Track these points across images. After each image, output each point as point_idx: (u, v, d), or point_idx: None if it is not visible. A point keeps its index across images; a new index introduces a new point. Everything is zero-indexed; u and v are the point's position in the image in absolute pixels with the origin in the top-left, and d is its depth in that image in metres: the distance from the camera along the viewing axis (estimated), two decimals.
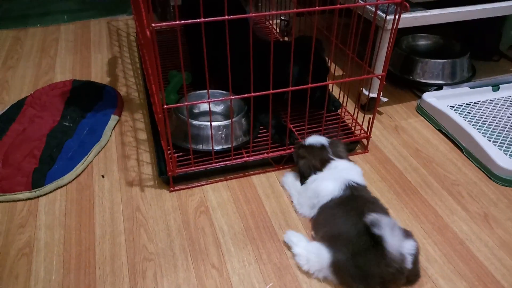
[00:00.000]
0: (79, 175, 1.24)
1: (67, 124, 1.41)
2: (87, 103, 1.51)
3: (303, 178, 1.13)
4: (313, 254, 0.95)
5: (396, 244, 0.84)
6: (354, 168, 1.11)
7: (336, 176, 1.06)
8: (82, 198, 1.16)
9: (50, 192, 1.18)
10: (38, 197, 1.16)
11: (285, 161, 1.26)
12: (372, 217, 0.86)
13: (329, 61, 1.29)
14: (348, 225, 0.93)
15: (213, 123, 1.16)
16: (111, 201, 1.15)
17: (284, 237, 1.04)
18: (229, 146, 1.21)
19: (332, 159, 1.11)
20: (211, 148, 1.19)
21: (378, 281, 0.87)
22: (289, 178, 1.20)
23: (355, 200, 1.00)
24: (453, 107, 1.45)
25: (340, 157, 1.13)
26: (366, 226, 0.87)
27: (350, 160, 1.16)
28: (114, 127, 1.42)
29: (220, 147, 1.23)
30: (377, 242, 0.85)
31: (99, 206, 1.14)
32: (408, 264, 0.87)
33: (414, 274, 0.93)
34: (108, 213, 1.12)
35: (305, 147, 1.16)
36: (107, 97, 1.55)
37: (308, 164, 1.12)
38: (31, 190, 1.16)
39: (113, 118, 1.44)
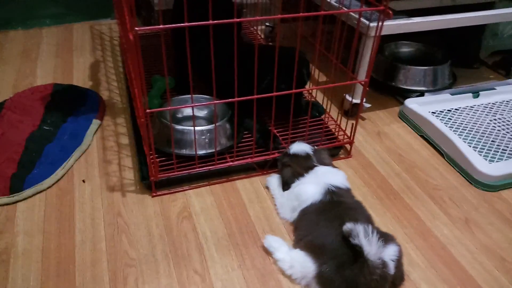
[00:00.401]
0: (59, 180, 1.21)
1: (47, 128, 1.38)
2: (69, 107, 1.49)
3: (285, 186, 1.13)
4: (297, 263, 0.94)
5: (374, 251, 0.84)
6: (336, 172, 1.11)
7: (317, 181, 1.06)
8: (62, 203, 1.14)
9: (29, 197, 1.15)
10: (16, 202, 1.14)
11: (269, 166, 1.26)
12: (347, 227, 0.87)
13: (313, 68, 1.29)
14: (332, 235, 0.92)
15: (196, 128, 1.16)
16: (92, 206, 1.13)
17: (264, 242, 1.03)
18: (213, 150, 1.20)
19: (316, 166, 1.12)
20: (194, 152, 1.18)
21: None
22: (274, 179, 1.20)
23: (335, 207, 1.00)
24: (435, 113, 1.46)
25: (325, 164, 1.14)
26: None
27: (335, 166, 1.16)
28: (95, 131, 1.40)
29: (203, 151, 1.22)
30: (356, 252, 0.85)
31: (79, 212, 1.12)
32: (391, 269, 0.87)
33: (398, 278, 0.93)
34: (88, 219, 1.10)
35: (290, 156, 1.15)
36: (89, 101, 1.52)
37: (292, 172, 1.12)
38: (8, 195, 1.13)
39: (95, 123, 1.42)
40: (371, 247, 0.83)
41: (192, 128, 1.15)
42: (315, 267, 0.90)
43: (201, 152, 1.21)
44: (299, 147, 1.16)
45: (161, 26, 0.90)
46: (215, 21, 0.93)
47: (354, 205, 1.03)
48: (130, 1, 0.88)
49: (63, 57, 1.86)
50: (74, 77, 1.71)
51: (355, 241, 0.84)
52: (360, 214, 1.00)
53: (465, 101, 1.55)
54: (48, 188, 1.18)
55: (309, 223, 1.00)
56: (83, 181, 1.21)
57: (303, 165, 1.12)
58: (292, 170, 1.13)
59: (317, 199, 1.02)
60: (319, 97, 1.54)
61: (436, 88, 1.62)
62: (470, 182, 1.26)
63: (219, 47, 1.01)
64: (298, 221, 1.04)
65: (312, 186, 1.05)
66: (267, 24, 2.03)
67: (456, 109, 1.50)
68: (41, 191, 1.17)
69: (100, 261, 0.99)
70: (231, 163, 1.21)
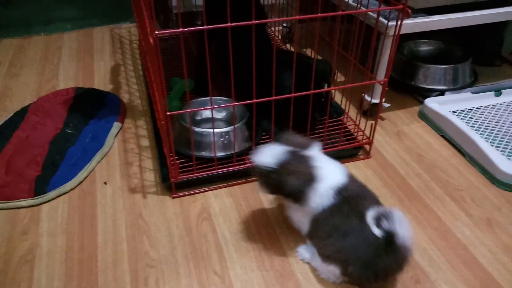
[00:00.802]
0: (81, 182, 1.24)
1: (70, 131, 1.41)
2: (90, 110, 1.52)
3: (299, 200, 0.94)
4: (326, 270, 0.95)
5: (406, 233, 0.81)
6: (334, 168, 0.96)
7: (322, 185, 0.92)
8: (85, 205, 1.17)
9: (53, 199, 1.18)
10: (40, 204, 1.17)
11: None
12: (373, 215, 0.85)
13: (332, 72, 1.29)
14: (355, 235, 0.87)
15: (215, 130, 1.17)
16: (113, 208, 1.15)
17: (297, 255, 1.02)
18: (231, 152, 1.21)
19: (311, 159, 0.94)
20: (213, 154, 1.19)
21: (389, 273, 0.87)
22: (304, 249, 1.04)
23: (348, 203, 0.90)
24: (455, 112, 1.44)
25: (304, 146, 0.96)
26: (371, 226, 0.85)
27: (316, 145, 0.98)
28: (116, 134, 1.43)
29: (222, 153, 1.23)
30: (386, 239, 0.83)
31: (101, 213, 1.14)
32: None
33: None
34: (110, 220, 1.12)
35: (282, 165, 0.92)
36: (109, 104, 1.55)
37: (301, 178, 0.92)
38: (33, 197, 1.16)
39: (116, 125, 1.44)
40: (402, 229, 0.80)
41: (211, 130, 1.16)
42: (340, 272, 0.90)
43: (220, 154, 1.22)
44: (273, 152, 0.94)
45: (180, 30, 0.91)
46: (233, 24, 0.94)
47: (362, 192, 0.94)
48: (150, 5, 0.89)
49: (84, 61, 1.90)
50: (95, 81, 1.74)
51: (386, 226, 0.81)
52: (371, 200, 0.93)
53: (486, 99, 1.53)
54: (71, 190, 1.21)
55: (329, 230, 0.91)
56: (105, 183, 1.23)
57: (303, 164, 0.94)
58: (299, 176, 0.92)
59: (327, 203, 0.91)
60: (338, 97, 1.53)
61: (456, 86, 1.59)
62: (492, 182, 1.24)
63: (249, 47, 1.01)
64: (314, 230, 0.95)
65: (318, 193, 0.92)
66: (285, 25, 2.03)
67: (477, 108, 1.48)
68: (64, 193, 1.20)
69: (121, 262, 1.01)
70: (249, 164, 1.22)
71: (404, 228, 0.81)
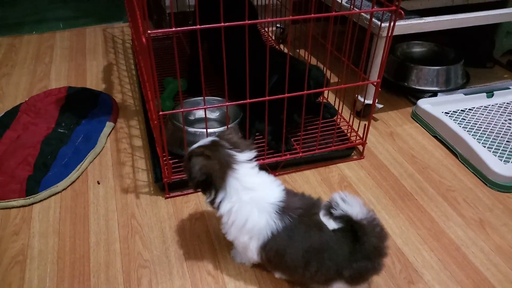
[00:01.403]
0: (73, 182, 1.23)
1: (61, 131, 1.40)
2: (82, 110, 1.51)
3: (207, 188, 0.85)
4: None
5: (360, 209, 0.76)
6: (269, 184, 0.88)
7: (260, 206, 0.83)
8: (77, 205, 1.16)
9: (44, 199, 1.17)
10: (32, 204, 1.15)
11: (281, 167, 1.26)
12: (322, 212, 0.80)
13: (324, 69, 1.29)
14: (323, 244, 0.82)
15: (208, 130, 1.16)
16: (106, 208, 1.15)
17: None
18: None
19: (237, 163, 0.84)
20: None
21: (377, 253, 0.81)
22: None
23: (300, 220, 0.83)
24: (448, 113, 1.45)
25: (241, 147, 0.87)
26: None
27: (251, 151, 0.87)
28: (109, 134, 1.42)
29: None
30: (352, 234, 0.79)
31: (94, 213, 1.13)
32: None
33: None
34: (103, 220, 1.11)
35: (195, 148, 0.86)
36: (102, 104, 1.54)
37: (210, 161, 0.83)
38: (25, 197, 1.15)
39: (108, 125, 1.43)
40: (354, 207, 0.76)
41: (204, 130, 1.15)
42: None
43: None
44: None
45: (173, 29, 0.91)
46: (226, 24, 0.93)
47: (308, 202, 0.88)
48: (143, 5, 0.89)
49: (76, 60, 1.88)
50: (87, 80, 1.73)
51: (338, 212, 0.76)
52: (319, 206, 0.85)
53: (479, 101, 1.54)
54: (63, 190, 1.20)
55: (293, 251, 0.83)
56: (98, 182, 1.22)
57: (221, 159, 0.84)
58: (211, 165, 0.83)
59: (276, 227, 0.82)
60: (331, 98, 1.54)
61: (449, 88, 1.60)
62: (484, 183, 1.25)
63: (239, 46, 1.01)
64: (273, 258, 0.85)
65: (258, 216, 0.83)
66: (278, 25, 2.03)
67: (470, 109, 1.49)
68: (56, 193, 1.19)
69: (114, 262, 1.00)
70: None
71: (355, 205, 0.77)
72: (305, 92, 1.13)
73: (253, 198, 0.83)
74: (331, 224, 0.81)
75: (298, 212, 0.84)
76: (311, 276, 0.84)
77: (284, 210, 0.83)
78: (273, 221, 0.83)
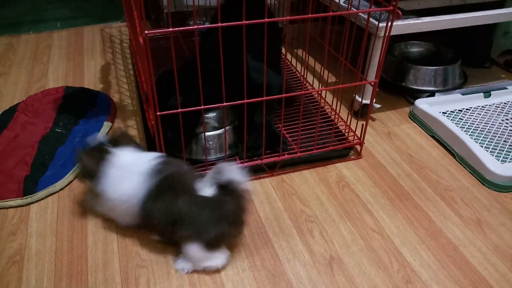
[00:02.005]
0: (71, 182, 1.23)
1: (59, 130, 1.40)
2: (80, 109, 1.50)
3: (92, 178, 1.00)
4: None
5: (233, 173, 0.92)
6: (144, 156, 1.02)
7: (129, 176, 0.97)
8: (74, 205, 1.15)
9: (42, 199, 1.17)
10: (29, 204, 1.15)
11: (279, 167, 1.26)
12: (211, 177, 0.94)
13: (322, 69, 1.29)
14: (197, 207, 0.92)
15: (206, 133, 1.17)
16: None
17: (178, 269, 0.99)
18: (223, 155, 1.21)
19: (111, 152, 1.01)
20: (204, 157, 1.18)
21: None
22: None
23: (170, 181, 0.95)
24: (445, 113, 1.46)
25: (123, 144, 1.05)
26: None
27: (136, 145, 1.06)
28: (107, 133, 1.42)
29: (213, 156, 1.23)
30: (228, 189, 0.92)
31: (91, 213, 1.13)
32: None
33: None
34: (100, 220, 1.11)
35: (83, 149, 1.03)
36: (100, 104, 1.54)
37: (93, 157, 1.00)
38: (22, 197, 1.15)
39: (106, 125, 1.43)
40: (233, 174, 0.91)
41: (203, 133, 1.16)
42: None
43: (211, 157, 1.22)
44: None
45: (170, 29, 0.91)
46: (224, 24, 0.93)
47: (183, 171, 0.99)
48: (140, 5, 0.89)
49: (74, 60, 1.88)
50: (85, 80, 1.73)
51: (223, 179, 0.91)
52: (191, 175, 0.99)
53: (476, 101, 1.54)
54: (60, 190, 1.20)
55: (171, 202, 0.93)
56: None
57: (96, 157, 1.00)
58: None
59: (150, 184, 0.94)
60: (329, 98, 1.54)
61: (446, 88, 1.61)
62: (482, 183, 1.25)
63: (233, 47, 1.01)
64: (150, 215, 0.96)
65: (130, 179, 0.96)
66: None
67: (467, 109, 1.49)
68: (53, 193, 1.18)
69: (112, 262, 1.00)
70: (240, 164, 1.22)
71: (234, 173, 0.91)
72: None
73: (123, 170, 0.97)
74: (206, 191, 0.93)
75: (168, 178, 0.95)
76: (176, 236, 0.94)
77: (154, 175, 0.94)
78: (142, 186, 0.94)
